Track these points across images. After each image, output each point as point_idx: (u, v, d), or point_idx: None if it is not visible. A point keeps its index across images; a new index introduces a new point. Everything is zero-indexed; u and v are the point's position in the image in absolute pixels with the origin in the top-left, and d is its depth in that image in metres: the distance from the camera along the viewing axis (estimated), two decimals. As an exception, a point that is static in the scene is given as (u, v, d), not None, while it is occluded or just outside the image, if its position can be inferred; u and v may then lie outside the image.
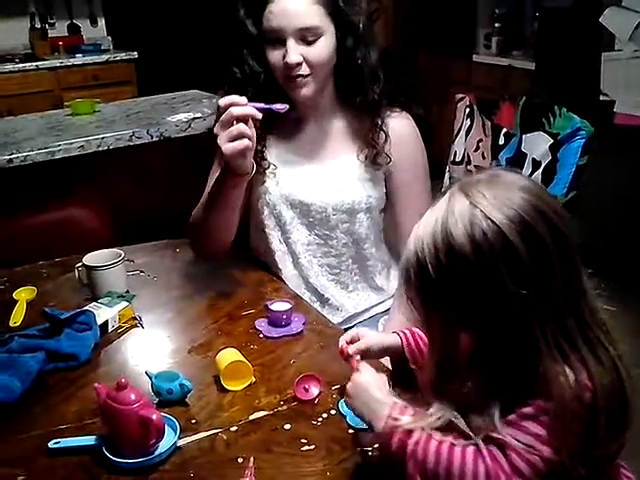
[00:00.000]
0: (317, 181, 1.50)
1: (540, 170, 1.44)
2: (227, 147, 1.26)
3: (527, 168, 1.48)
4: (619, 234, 2.96)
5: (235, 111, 1.25)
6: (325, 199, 1.49)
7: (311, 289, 1.57)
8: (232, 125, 1.25)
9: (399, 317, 1.46)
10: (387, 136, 1.46)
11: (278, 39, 1.37)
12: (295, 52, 1.36)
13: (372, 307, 1.61)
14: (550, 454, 0.76)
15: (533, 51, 3.81)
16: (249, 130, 1.27)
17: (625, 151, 2.88)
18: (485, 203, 0.79)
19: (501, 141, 1.57)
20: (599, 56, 3.05)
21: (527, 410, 0.78)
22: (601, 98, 3.03)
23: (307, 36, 1.36)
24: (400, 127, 1.49)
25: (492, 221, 0.78)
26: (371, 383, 0.92)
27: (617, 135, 2.88)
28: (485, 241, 0.77)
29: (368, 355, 1.11)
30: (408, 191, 1.51)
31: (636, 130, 2.88)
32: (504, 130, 1.57)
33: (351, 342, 1.12)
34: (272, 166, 1.51)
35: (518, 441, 0.76)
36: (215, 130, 1.29)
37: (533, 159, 1.46)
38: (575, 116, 1.39)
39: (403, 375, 1.10)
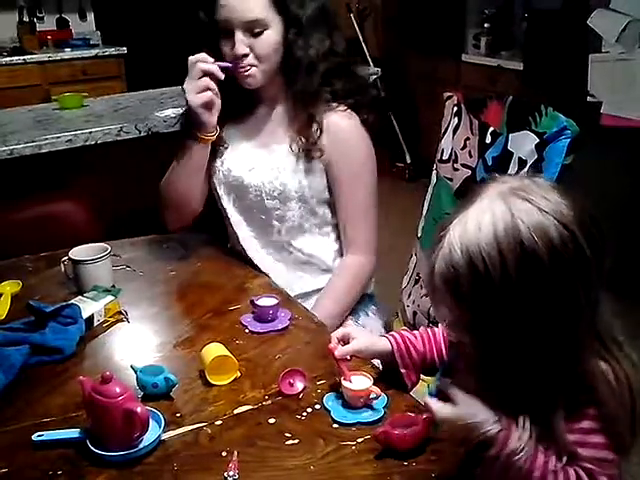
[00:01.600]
0: (255, 164, 1.56)
1: (526, 169, 1.44)
2: (193, 98, 1.43)
3: (513, 167, 1.49)
4: (607, 236, 2.98)
5: (202, 66, 1.42)
6: (259, 182, 1.55)
7: (257, 268, 1.60)
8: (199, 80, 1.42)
9: (328, 304, 1.53)
10: (321, 130, 1.49)
11: (227, 30, 1.44)
12: (242, 44, 1.43)
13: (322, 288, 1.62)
14: (615, 457, 0.79)
15: (522, 52, 3.83)
16: (214, 85, 1.43)
17: (611, 152, 2.90)
18: (550, 206, 0.78)
19: (488, 140, 1.57)
20: (587, 57, 3.07)
21: (586, 424, 0.79)
22: (588, 99, 3.06)
23: (253, 28, 1.43)
24: (338, 124, 1.51)
25: (566, 227, 0.77)
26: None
27: (604, 136, 2.91)
28: (562, 248, 0.76)
29: (361, 357, 1.12)
30: (342, 188, 1.55)
31: (622, 131, 2.91)
32: (491, 129, 1.58)
33: (342, 341, 1.13)
34: (225, 144, 1.58)
35: (595, 459, 0.78)
36: (184, 85, 1.44)
37: (519, 158, 1.47)
38: (561, 115, 1.40)
39: (393, 376, 1.12)
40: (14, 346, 1.21)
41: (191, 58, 1.44)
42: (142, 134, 2.20)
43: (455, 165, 1.69)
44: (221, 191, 1.62)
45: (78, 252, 1.48)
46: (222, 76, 1.43)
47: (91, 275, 1.46)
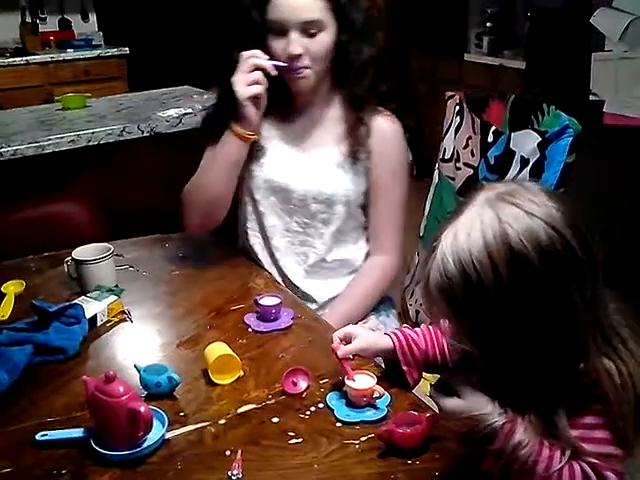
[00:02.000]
0: (300, 169, 1.54)
1: (528, 168, 1.44)
2: (242, 89, 1.42)
3: (515, 166, 1.49)
4: (607, 233, 2.98)
5: (255, 60, 1.41)
6: (306, 187, 1.52)
7: (284, 277, 1.58)
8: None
9: (353, 302, 1.53)
10: (369, 131, 1.49)
11: (281, 30, 1.42)
12: (297, 44, 1.41)
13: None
14: (620, 452, 0.79)
15: (524, 51, 3.83)
16: (265, 80, 1.42)
17: (614, 151, 2.90)
18: (538, 209, 0.78)
19: (490, 139, 1.57)
20: (589, 56, 3.07)
21: (590, 420, 0.80)
22: (591, 98, 3.05)
23: (309, 29, 1.41)
24: (384, 127, 1.52)
25: (554, 229, 0.77)
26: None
27: (606, 135, 2.90)
28: (552, 249, 0.77)
29: (365, 356, 1.12)
30: (379, 192, 1.55)
31: (625, 130, 2.90)
32: (493, 128, 1.58)
33: (344, 340, 1.13)
34: (262, 148, 1.55)
35: (600, 454, 0.79)
36: (233, 78, 1.42)
37: (521, 157, 1.47)
38: (563, 114, 1.40)
39: (396, 374, 1.12)
40: (18, 346, 1.21)
41: (244, 53, 1.42)
42: (145, 134, 2.21)
43: (457, 164, 1.68)
44: (259, 195, 1.56)
45: (81, 252, 1.48)
46: (275, 72, 1.42)
47: (94, 275, 1.46)
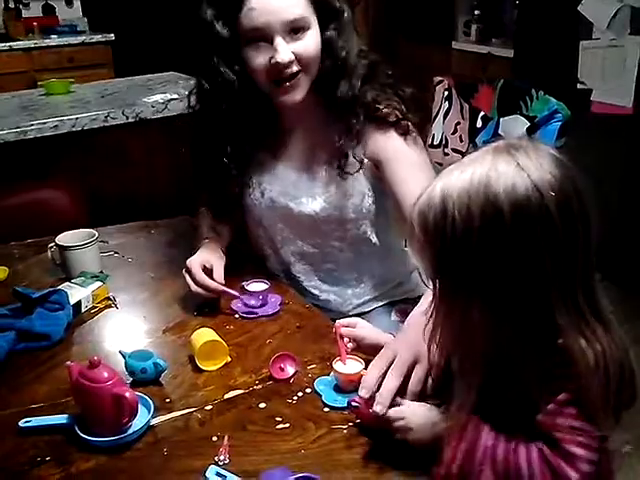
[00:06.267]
0: (305, 192, 1.39)
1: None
2: (194, 289, 1.33)
3: (504, 151, 1.48)
4: (588, 211, 2.99)
5: (201, 292, 1.33)
6: (313, 210, 1.38)
7: (307, 294, 1.48)
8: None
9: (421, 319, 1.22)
10: (358, 140, 1.32)
11: (263, 38, 1.23)
12: (285, 50, 1.22)
13: (383, 293, 1.53)
14: (594, 432, 0.78)
15: (512, 39, 3.82)
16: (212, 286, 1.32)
17: (602, 139, 2.90)
18: (533, 169, 0.78)
19: (479, 124, 1.57)
20: (577, 44, 3.07)
21: (562, 396, 0.79)
22: (579, 86, 3.05)
23: (295, 30, 1.23)
24: (377, 132, 1.34)
25: (537, 189, 0.77)
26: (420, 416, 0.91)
27: (594, 123, 2.91)
28: (527, 205, 0.77)
29: (360, 345, 1.11)
30: (402, 187, 1.31)
31: (613, 118, 2.91)
32: (482, 113, 1.57)
33: (347, 327, 1.12)
34: (257, 184, 1.42)
35: (570, 427, 0.78)
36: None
37: (510, 142, 1.46)
38: (552, 99, 1.40)
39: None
40: (0, 332, 1.19)
41: (192, 288, 1.32)
42: (130, 120, 2.18)
43: (445, 150, 1.68)
44: (267, 222, 1.45)
45: (65, 238, 1.46)
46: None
47: (78, 261, 1.44)
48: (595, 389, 0.78)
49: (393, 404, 0.92)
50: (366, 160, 1.35)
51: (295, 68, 1.25)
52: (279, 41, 1.22)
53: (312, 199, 1.39)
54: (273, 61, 1.23)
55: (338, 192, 1.37)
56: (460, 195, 0.79)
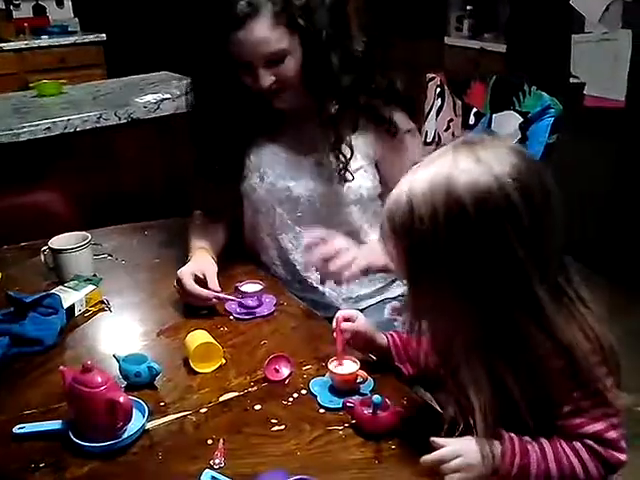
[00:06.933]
0: (304, 175, 1.44)
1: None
2: (185, 300, 1.36)
3: (497, 147, 1.48)
4: (588, 215, 2.99)
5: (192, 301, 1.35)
6: (312, 193, 1.43)
7: (305, 285, 1.50)
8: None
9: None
10: (352, 151, 1.38)
11: (247, 66, 1.34)
12: (265, 77, 1.34)
13: (377, 290, 1.54)
14: (613, 409, 0.81)
15: (505, 34, 3.81)
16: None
17: (595, 133, 2.90)
18: (492, 162, 0.80)
19: (471, 120, 1.57)
20: (570, 38, 3.06)
21: (577, 394, 0.81)
22: (571, 81, 3.05)
23: (275, 60, 1.33)
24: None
25: (497, 178, 0.78)
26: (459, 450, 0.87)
27: (587, 117, 2.91)
28: (489, 197, 0.78)
29: (357, 340, 1.11)
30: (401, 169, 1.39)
31: (606, 112, 2.91)
32: (474, 110, 1.57)
33: (347, 320, 1.12)
34: (256, 169, 1.47)
35: (599, 417, 0.81)
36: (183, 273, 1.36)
37: (503, 138, 1.46)
38: (545, 94, 1.40)
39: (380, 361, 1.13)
40: (-7, 338, 1.18)
41: (183, 296, 1.35)
42: (122, 121, 2.17)
43: (438, 147, 1.67)
44: (265, 208, 1.48)
45: (58, 241, 1.45)
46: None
47: (72, 264, 1.43)
48: (592, 359, 0.80)
49: (434, 447, 0.86)
50: (368, 151, 1.42)
51: (278, 86, 1.36)
52: (260, 71, 1.33)
53: (312, 181, 1.43)
54: (256, 85, 1.35)
55: (336, 175, 1.41)
56: (424, 194, 0.80)
